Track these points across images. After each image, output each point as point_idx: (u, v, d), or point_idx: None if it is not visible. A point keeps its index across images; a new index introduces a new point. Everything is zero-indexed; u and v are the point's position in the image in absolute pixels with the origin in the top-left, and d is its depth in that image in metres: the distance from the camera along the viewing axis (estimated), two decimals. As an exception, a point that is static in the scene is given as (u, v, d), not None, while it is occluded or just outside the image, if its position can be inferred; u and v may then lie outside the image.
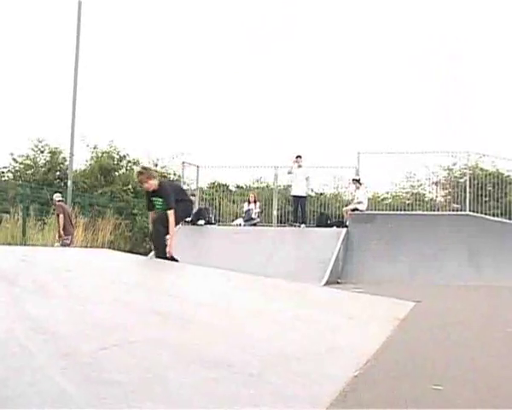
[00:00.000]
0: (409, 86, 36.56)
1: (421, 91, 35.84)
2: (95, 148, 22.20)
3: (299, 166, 16.38)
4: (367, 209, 16.52)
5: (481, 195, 16.68)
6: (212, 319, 4.43)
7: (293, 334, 4.39)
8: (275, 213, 17.79)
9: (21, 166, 21.79)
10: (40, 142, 21.96)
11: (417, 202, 18.33)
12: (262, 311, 5.17)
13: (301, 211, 16.45)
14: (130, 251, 17.47)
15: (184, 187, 17.62)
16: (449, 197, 18.28)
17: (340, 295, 7.63)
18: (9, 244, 15.10)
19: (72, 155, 18.47)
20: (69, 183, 18.02)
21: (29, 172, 21.51)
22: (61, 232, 14.47)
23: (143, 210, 20.47)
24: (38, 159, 22.00)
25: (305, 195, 16.51)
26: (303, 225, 16.37)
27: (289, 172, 16.49)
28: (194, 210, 17.45)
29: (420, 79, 36.26)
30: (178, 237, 16.19)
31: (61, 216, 14.45)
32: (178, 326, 3.98)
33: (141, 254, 16.38)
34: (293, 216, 16.87)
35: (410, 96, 36.12)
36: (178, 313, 4.34)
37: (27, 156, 21.96)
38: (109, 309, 4.11)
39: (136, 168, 21.37)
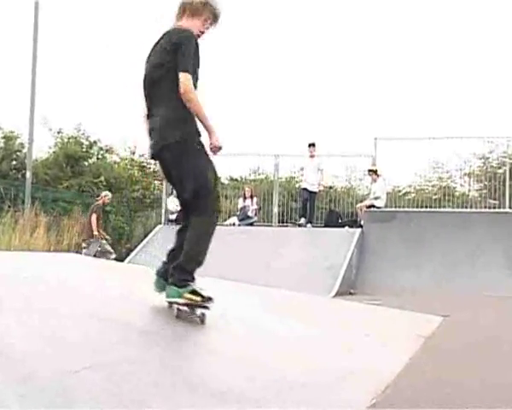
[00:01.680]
0: (434, 63, 36.59)
1: (449, 68, 35.88)
2: (59, 132, 22.18)
3: (312, 157, 16.42)
4: (385, 206, 16.54)
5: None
6: (204, 337, 4.44)
7: (299, 356, 4.41)
8: (275, 210, 17.81)
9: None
10: (-9, 125, 21.95)
11: (446, 198, 18.36)
12: (260, 327, 5.19)
13: (309, 208, 16.49)
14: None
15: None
16: (484, 192, 18.31)
17: (354, 309, 7.65)
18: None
19: (31, 140, 18.44)
20: (28, 174, 17.98)
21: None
22: (95, 234, 15.12)
23: (117, 207, 20.52)
24: (-11, 145, 21.98)
25: (316, 190, 16.56)
26: (309, 225, 16.40)
27: (302, 169, 16.59)
28: (179, 207, 17.48)
29: (447, 55, 36.30)
30: (158, 239, 16.40)
31: (94, 217, 15.14)
32: (163, 345, 3.99)
33: (116, 259, 16.39)
34: (300, 213, 16.90)
35: (436, 73, 36.17)
36: (162, 329, 4.35)
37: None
38: (78, 324, 4.11)
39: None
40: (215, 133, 4.78)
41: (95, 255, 14.77)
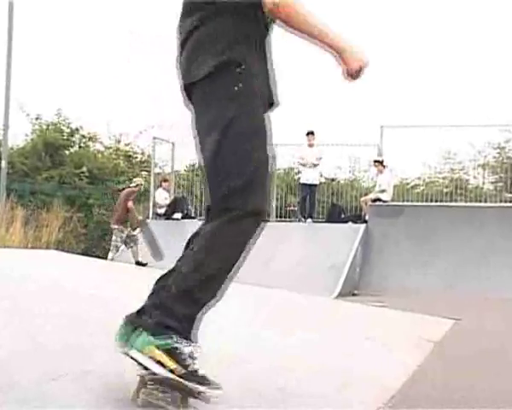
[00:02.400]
0: (446, 43, 36.58)
1: (462, 50, 35.87)
2: (37, 119, 22.15)
3: (311, 146, 16.40)
4: (392, 200, 16.56)
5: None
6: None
7: (296, 363, 4.41)
8: (273, 204, 17.80)
9: None
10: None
11: (458, 191, 18.38)
12: (256, 331, 5.19)
13: (309, 202, 16.50)
14: (85, 253, 17.48)
15: (156, 170, 17.67)
16: (500, 184, 18.34)
17: (358, 311, 7.66)
18: None
19: (6, 127, 18.39)
20: (3, 164, 17.93)
21: None
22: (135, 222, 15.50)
23: (101, 200, 20.51)
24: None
25: (316, 183, 16.56)
26: (309, 220, 16.41)
27: (302, 164, 16.56)
28: (169, 200, 17.49)
29: (460, 36, 36.27)
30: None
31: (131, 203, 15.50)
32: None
33: (98, 256, 16.39)
34: (300, 208, 16.91)
35: (448, 55, 36.15)
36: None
37: None
38: (58, 327, 4.10)
39: None
40: (349, 47, 3.00)
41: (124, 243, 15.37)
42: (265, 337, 5.10)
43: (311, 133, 16.40)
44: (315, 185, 16.50)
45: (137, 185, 16.22)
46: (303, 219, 16.45)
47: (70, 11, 36.86)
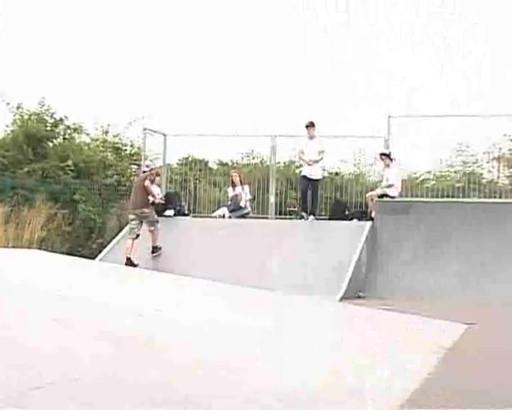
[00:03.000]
0: (457, 27, 36.57)
1: (472, 34, 35.85)
2: (18, 108, 22.05)
3: (312, 138, 16.37)
4: (400, 195, 16.55)
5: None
6: (187, 348, 4.44)
7: (300, 371, 4.41)
8: (272, 200, 17.79)
9: None
10: None
11: (471, 186, 18.38)
12: (256, 338, 5.19)
13: (312, 198, 16.48)
14: (70, 252, 17.45)
15: (147, 163, 17.65)
16: (516, 179, 18.35)
17: (364, 316, 7.67)
18: None
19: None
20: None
21: None
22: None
23: (88, 195, 20.49)
24: None
25: (318, 177, 16.54)
26: (311, 217, 16.41)
27: (302, 160, 16.58)
28: (161, 196, 17.48)
29: (472, 19, 36.26)
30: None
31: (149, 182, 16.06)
32: (137, 356, 3.99)
33: (84, 256, 16.37)
34: (301, 204, 16.90)
35: (458, 39, 36.11)
36: (138, 339, 4.35)
37: None
38: (43, 333, 4.11)
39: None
40: None
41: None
42: (265, 341, 5.10)
43: (310, 125, 16.34)
44: (317, 180, 16.46)
45: (151, 169, 16.49)
46: (304, 216, 16.43)
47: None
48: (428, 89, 31.25)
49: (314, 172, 16.34)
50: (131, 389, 3.41)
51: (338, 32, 36.21)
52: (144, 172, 16.70)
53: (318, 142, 16.37)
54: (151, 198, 16.07)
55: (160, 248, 15.63)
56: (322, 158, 16.44)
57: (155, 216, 16.03)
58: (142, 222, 15.79)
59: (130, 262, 14.75)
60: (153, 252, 15.67)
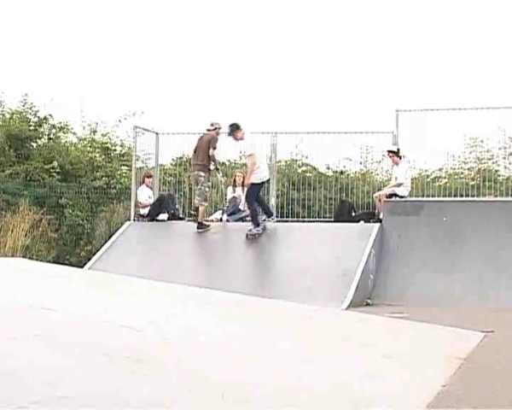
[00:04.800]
0: (470, 16, 36.61)
1: (488, 23, 35.89)
2: (-1, 106, 22.11)
3: (237, 139, 16.33)
4: (410, 195, 16.55)
5: None
6: (183, 362, 4.44)
7: (304, 384, 4.40)
8: (273, 201, 17.80)
9: None
10: None
11: (486, 184, 18.37)
12: (256, 350, 5.19)
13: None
14: (57, 260, 17.46)
15: (138, 164, 17.63)
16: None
17: (372, 324, 7.66)
18: None
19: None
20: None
21: None
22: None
23: (75, 199, 20.48)
24: None
25: (252, 181, 16.42)
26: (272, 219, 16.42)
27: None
28: (153, 199, 17.47)
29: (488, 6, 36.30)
30: (127, 238, 16.37)
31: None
32: (130, 371, 3.98)
33: (72, 264, 16.38)
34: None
35: (472, 28, 36.17)
36: (130, 353, 4.35)
37: None
38: (27, 349, 4.10)
39: None
40: None
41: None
42: (265, 352, 5.09)
43: (234, 127, 15.92)
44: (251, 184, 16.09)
45: (216, 129, 16.57)
46: (270, 220, 16.30)
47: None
48: (438, 81, 31.27)
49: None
50: (122, 407, 3.40)
51: (342, 25, 36.21)
52: (209, 130, 16.70)
53: (246, 142, 16.11)
54: (212, 165, 16.34)
55: (206, 226, 16.10)
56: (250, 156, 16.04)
57: (207, 189, 16.30)
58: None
59: (202, 226, 15.94)
60: (198, 228, 16.11)
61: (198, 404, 3.66)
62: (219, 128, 16.55)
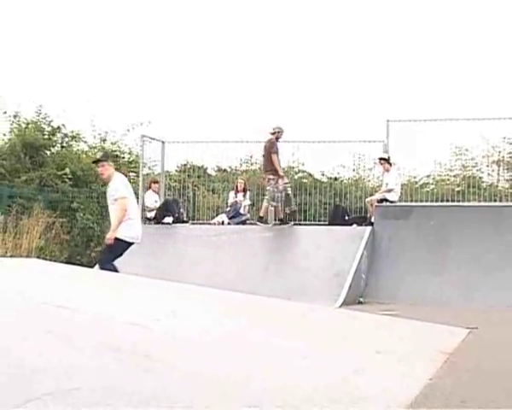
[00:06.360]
0: (456, 31, 36.61)
1: (473, 38, 35.89)
2: (16, 117, 22.06)
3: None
4: (400, 200, 16.54)
5: None
6: (186, 357, 4.42)
7: (298, 379, 4.39)
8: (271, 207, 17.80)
9: None
10: None
11: (471, 190, 18.38)
12: (256, 347, 5.17)
13: None
14: (69, 261, 17.44)
15: (145, 171, 17.62)
16: (516, 182, 18.34)
17: (364, 322, 7.64)
18: None
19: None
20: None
21: None
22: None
23: (86, 204, 20.48)
24: None
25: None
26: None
27: None
28: (159, 203, 17.47)
29: (471, 23, 36.30)
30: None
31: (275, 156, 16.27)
32: (138, 368, 3.97)
33: (83, 264, 16.35)
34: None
35: (458, 43, 36.18)
36: (137, 349, 4.33)
37: None
38: (40, 345, 4.09)
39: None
40: None
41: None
42: (262, 348, 5.08)
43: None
44: None
45: (275, 133, 16.43)
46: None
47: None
48: (427, 92, 31.29)
49: None
50: (129, 400, 3.39)
51: (336, 36, 36.21)
52: (271, 134, 16.61)
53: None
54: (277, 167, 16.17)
55: (265, 221, 16.33)
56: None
57: (275, 190, 16.19)
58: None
59: (262, 220, 16.34)
60: (258, 221, 16.56)
61: (201, 399, 3.65)
62: (279, 132, 16.50)
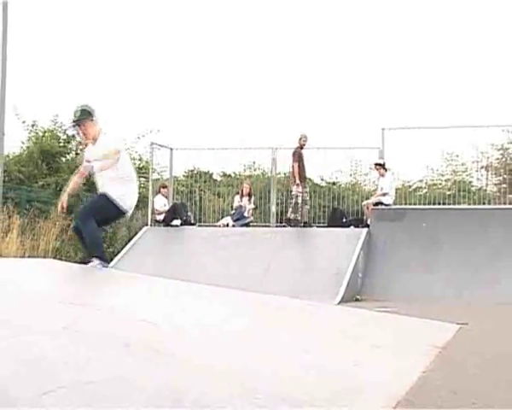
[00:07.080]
0: (447, 44, 36.61)
1: (463, 50, 35.89)
2: (33, 126, 22.09)
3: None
4: (394, 203, 16.54)
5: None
6: (195, 352, 4.42)
7: (298, 370, 4.38)
8: (273, 209, 17.80)
9: None
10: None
11: (461, 193, 18.36)
12: (260, 342, 5.16)
13: None
14: (83, 261, 17.41)
15: (154, 176, 17.62)
16: (504, 186, 18.32)
17: (361, 317, 7.63)
18: None
19: (2, 134, 18.36)
20: (-1, 172, 17.92)
21: None
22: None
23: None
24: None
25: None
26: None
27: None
28: (168, 206, 17.47)
29: (462, 35, 36.31)
30: (145, 242, 16.36)
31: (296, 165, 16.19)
32: (148, 361, 3.97)
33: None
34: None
35: (449, 56, 36.18)
36: (148, 344, 4.33)
37: None
38: (55, 340, 4.09)
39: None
40: None
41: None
42: (266, 342, 5.07)
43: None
44: None
45: (301, 139, 16.38)
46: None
47: (66, 12, 36.97)
48: (420, 101, 31.30)
49: None
50: (140, 392, 3.39)
51: (332, 44, 36.26)
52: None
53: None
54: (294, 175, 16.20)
55: (290, 221, 16.30)
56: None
57: (298, 203, 16.23)
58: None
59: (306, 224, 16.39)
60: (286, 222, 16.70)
61: (208, 391, 3.65)
62: (301, 139, 16.50)
